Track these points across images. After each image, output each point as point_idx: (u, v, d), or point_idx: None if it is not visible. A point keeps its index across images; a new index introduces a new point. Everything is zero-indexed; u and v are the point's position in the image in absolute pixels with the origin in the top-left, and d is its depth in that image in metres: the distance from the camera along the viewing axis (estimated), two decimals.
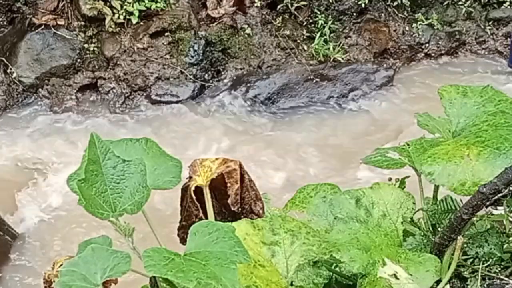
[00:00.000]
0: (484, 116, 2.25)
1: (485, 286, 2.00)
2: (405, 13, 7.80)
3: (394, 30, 7.76)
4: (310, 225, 2.11)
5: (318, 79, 7.23)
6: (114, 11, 7.09)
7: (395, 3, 7.73)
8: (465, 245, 2.04)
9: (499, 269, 2.03)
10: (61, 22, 7.27)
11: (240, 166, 2.15)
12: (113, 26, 7.14)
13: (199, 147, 6.64)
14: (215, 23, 7.41)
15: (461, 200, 2.13)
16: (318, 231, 2.11)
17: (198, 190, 2.11)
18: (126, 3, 7.09)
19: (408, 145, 2.29)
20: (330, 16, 7.51)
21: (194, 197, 2.10)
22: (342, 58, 7.38)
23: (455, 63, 7.79)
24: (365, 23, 7.71)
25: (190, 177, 2.15)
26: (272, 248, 2.00)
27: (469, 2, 7.83)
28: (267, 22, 7.55)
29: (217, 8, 7.46)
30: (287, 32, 7.50)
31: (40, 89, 7.17)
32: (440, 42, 7.79)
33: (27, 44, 7.18)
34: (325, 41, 7.43)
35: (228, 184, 2.13)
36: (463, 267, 2.03)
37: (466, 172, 2.05)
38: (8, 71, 7.12)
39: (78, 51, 7.22)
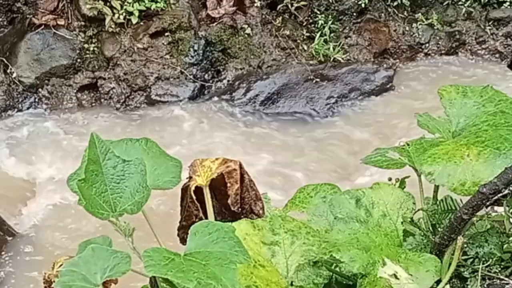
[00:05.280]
0: (484, 116, 2.24)
1: (485, 286, 2.00)
2: (405, 13, 7.80)
3: (394, 30, 7.76)
4: (310, 225, 2.11)
5: (318, 79, 7.23)
6: (114, 11, 7.09)
7: (395, 3, 7.73)
8: (465, 245, 2.04)
9: (499, 269, 2.03)
10: (61, 22, 7.27)
11: (240, 166, 2.15)
12: (113, 26, 7.14)
13: (199, 147, 6.64)
14: (215, 23, 7.41)
15: (461, 200, 2.13)
16: (318, 231, 2.10)
17: (198, 190, 2.11)
18: (126, 3, 7.09)
19: (408, 145, 2.29)
20: (330, 16, 7.52)
21: (194, 197, 2.10)
22: (342, 58, 7.39)
23: (455, 63, 7.79)
24: (365, 23, 7.72)
25: (190, 177, 2.14)
26: (272, 248, 2.00)
27: (469, 2, 7.84)
28: (267, 22, 7.56)
29: (217, 8, 7.46)
30: (287, 32, 7.51)
31: (40, 89, 7.18)
32: (440, 42, 7.80)
33: (27, 44, 7.18)
34: (325, 41, 7.43)
35: (228, 184, 2.13)
36: (463, 267, 2.03)
37: (466, 172, 2.05)
38: (8, 71, 7.13)
39: (78, 51, 7.22)
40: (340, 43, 7.53)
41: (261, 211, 2.17)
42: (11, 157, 6.54)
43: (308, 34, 7.53)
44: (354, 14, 7.68)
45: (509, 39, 7.87)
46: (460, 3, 7.87)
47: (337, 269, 2.04)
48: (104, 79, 7.24)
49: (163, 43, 7.26)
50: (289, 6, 7.52)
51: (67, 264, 1.71)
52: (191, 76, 7.23)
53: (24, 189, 6.24)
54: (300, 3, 7.52)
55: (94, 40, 7.27)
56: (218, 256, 1.70)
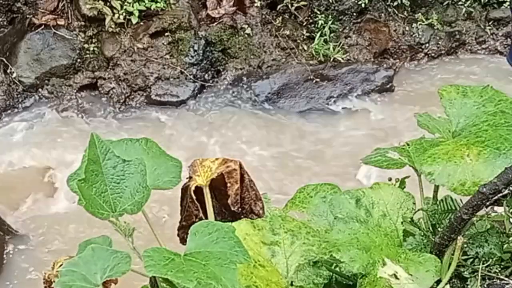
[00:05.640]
0: (484, 116, 2.24)
1: (485, 286, 2.00)
2: (405, 13, 7.80)
3: (394, 30, 7.76)
4: (310, 225, 2.11)
5: (318, 79, 7.23)
6: (114, 11, 7.09)
7: (395, 3, 7.73)
8: (465, 245, 2.04)
9: (499, 269, 2.03)
10: (61, 22, 7.27)
11: (240, 166, 2.15)
12: (113, 26, 7.14)
13: (199, 147, 6.64)
14: (215, 23, 7.41)
15: (461, 200, 2.13)
16: (318, 231, 2.10)
17: (198, 190, 2.11)
18: (126, 3, 7.09)
19: (408, 145, 2.29)
20: (330, 16, 7.51)
21: (194, 197, 2.10)
22: (342, 58, 7.38)
23: (455, 63, 7.79)
24: (365, 23, 7.71)
25: (190, 177, 2.15)
26: (272, 248, 2.00)
27: (469, 2, 7.83)
28: (267, 22, 7.55)
29: (217, 8, 7.46)
30: (287, 32, 7.51)
31: (40, 89, 7.17)
32: (440, 42, 7.79)
33: (27, 44, 7.18)
34: (325, 41, 7.43)
35: (228, 184, 2.13)
36: (463, 267, 2.03)
37: (466, 172, 2.05)
38: (8, 71, 7.12)
39: (78, 51, 7.22)
40: (340, 43, 7.53)
41: (261, 211, 2.17)
42: (10, 157, 6.54)
43: (308, 34, 7.53)
44: (354, 14, 7.68)
45: (509, 39, 7.87)
46: (460, 3, 7.87)
47: (337, 269, 2.04)
48: (104, 79, 7.24)
49: (163, 43, 7.26)
50: (289, 6, 7.52)
51: (67, 264, 1.71)
52: (191, 76, 7.23)
53: (24, 188, 6.23)
54: (300, 3, 7.52)
55: (94, 40, 7.27)
56: (218, 256, 1.70)
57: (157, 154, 2.05)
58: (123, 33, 7.24)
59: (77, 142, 6.63)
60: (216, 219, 2.08)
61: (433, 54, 7.79)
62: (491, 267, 2.03)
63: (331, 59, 7.35)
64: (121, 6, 7.09)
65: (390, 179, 2.38)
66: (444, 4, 7.88)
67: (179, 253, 1.72)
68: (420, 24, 7.75)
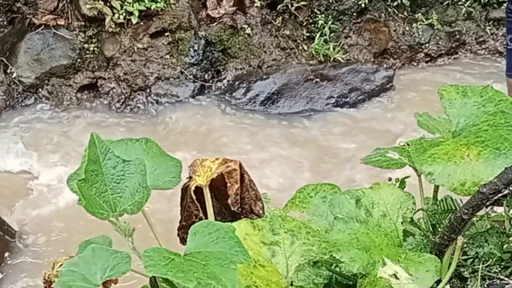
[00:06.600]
0: (484, 116, 2.24)
1: (485, 286, 2.00)
2: (405, 13, 7.80)
3: (394, 30, 7.76)
4: (310, 225, 2.11)
5: (318, 79, 7.23)
6: (114, 11, 7.09)
7: (395, 3, 7.73)
8: (465, 245, 2.04)
9: (499, 269, 2.03)
10: (61, 22, 7.27)
11: (240, 166, 2.15)
12: (113, 26, 7.14)
13: (199, 147, 6.65)
14: (215, 23, 7.41)
15: (461, 200, 2.13)
16: (318, 231, 2.10)
17: (198, 190, 2.11)
18: (126, 3, 7.09)
19: (408, 145, 2.28)
20: (330, 16, 7.52)
21: (194, 197, 2.10)
22: (342, 58, 7.39)
23: (455, 63, 7.79)
24: (365, 23, 7.72)
25: (190, 177, 2.14)
26: (272, 248, 2.00)
27: (469, 2, 7.84)
28: (267, 22, 7.56)
29: (217, 8, 7.46)
30: (287, 32, 7.51)
31: (40, 89, 7.18)
32: (440, 42, 7.80)
33: (27, 44, 7.18)
34: (325, 41, 7.43)
35: (228, 184, 2.13)
36: (463, 267, 2.03)
37: (466, 172, 2.05)
38: (8, 71, 7.13)
39: (78, 51, 7.22)
40: (340, 43, 7.53)
41: (261, 211, 2.17)
42: (10, 157, 6.54)
43: (308, 34, 7.53)
44: (354, 14, 7.68)
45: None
46: (460, 3, 7.87)
47: (337, 269, 2.04)
48: (104, 79, 7.24)
49: (163, 43, 7.26)
50: (289, 6, 7.52)
51: (67, 264, 1.71)
52: (191, 76, 7.23)
53: (24, 189, 6.24)
54: (300, 3, 7.52)
55: (94, 40, 7.27)
56: (218, 256, 1.70)
57: (157, 154, 2.04)
58: (123, 33, 7.25)
59: (77, 142, 6.64)
60: (216, 219, 2.08)
61: (433, 54, 7.80)
62: (491, 267, 2.02)
63: (331, 59, 7.36)
64: (121, 6, 7.09)
65: (390, 179, 2.38)
66: (444, 4, 7.88)
67: (179, 253, 1.72)
68: (420, 24, 7.76)
